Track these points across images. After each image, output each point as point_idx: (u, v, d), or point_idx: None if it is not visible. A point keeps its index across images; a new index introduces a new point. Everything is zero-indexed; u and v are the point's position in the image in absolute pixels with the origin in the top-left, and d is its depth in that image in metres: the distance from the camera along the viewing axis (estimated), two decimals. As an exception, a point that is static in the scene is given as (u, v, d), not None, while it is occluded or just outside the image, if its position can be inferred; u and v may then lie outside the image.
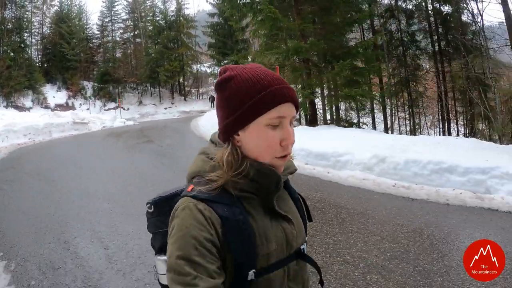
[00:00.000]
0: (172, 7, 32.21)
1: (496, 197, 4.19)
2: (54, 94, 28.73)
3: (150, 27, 32.61)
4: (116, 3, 35.17)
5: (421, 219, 3.57)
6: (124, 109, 28.60)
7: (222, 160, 0.69)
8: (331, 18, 9.94)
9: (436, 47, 16.60)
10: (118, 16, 35.39)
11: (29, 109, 25.61)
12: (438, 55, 16.70)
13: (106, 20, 34.99)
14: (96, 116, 18.70)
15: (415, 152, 5.41)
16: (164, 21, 31.28)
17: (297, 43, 9.20)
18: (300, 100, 10.12)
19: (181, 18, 30.98)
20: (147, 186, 5.24)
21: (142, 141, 9.67)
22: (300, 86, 10.20)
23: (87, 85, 30.55)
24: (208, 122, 11.69)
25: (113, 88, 30.42)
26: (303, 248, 0.79)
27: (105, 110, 28.47)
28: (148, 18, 33.59)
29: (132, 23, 35.15)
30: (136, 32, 34.59)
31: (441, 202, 4.11)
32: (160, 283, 0.85)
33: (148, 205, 0.85)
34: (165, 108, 28.61)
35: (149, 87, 31.66)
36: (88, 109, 27.00)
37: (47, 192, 5.31)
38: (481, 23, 12.55)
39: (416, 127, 19.07)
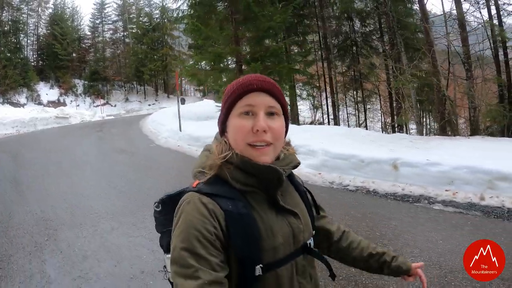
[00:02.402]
0: (157, 9, 34.50)
1: (297, 171, 6.36)
2: (47, 92, 31.19)
3: (136, 29, 34.92)
4: (106, 6, 37.55)
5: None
6: (111, 105, 31.09)
7: (213, 150, 0.76)
8: (256, 25, 11.97)
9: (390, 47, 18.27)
10: (108, 17, 37.79)
11: (23, 105, 28.06)
12: (388, 54, 18.37)
13: (97, 21, 37.38)
14: (78, 112, 21.08)
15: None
16: (149, 23, 33.57)
17: (217, 49, 11.39)
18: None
19: (165, 20, 33.23)
20: (73, 156, 7.75)
21: (96, 130, 12.24)
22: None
23: (78, 83, 32.98)
24: (153, 118, 14.15)
25: (102, 86, 32.85)
26: (310, 243, 0.80)
27: (94, 106, 30.90)
28: (134, 21, 35.86)
29: (122, 25, 37.50)
30: (125, 33, 36.97)
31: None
32: (170, 282, 0.85)
33: (156, 204, 0.88)
34: (149, 105, 31.00)
35: (135, 85, 34.12)
36: (78, 106, 29.49)
37: (10, 160, 7.75)
38: (391, 19, 14.60)
39: (369, 121, 21.16)
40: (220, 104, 10.91)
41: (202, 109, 15.00)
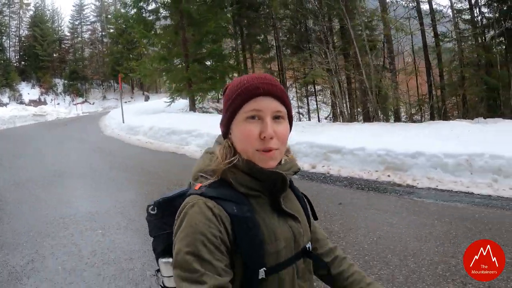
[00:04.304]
0: (132, 11, 36.39)
1: (188, 149, 8.35)
2: (29, 91, 33.17)
3: (113, 30, 36.91)
4: (85, 7, 39.43)
5: (133, 152, 8.31)
6: (90, 103, 33.23)
7: (217, 153, 0.76)
8: (197, 29, 14.08)
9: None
10: (87, 19, 39.69)
11: (6, 104, 29.96)
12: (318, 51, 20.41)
13: (76, 23, 39.26)
14: (55, 110, 23.33)
15: (188, 124, 10.00)
16: (124, 24, 35.55)
17: (161, 53, 13.71)
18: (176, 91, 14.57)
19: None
20: (36, 143, 10.17)
21: (63, 125, 14.69)
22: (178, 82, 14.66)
23: (58, 82, 34.98)
24: (110, 114, 16.46)
25: (81, 84, 34.93)
26: (309, 247, 0.82)
27: (74, 104, 33.01)
28: (112, 21, 37.81)
29: (100, 26, 39.42)
30: (103, 33, 38.93)
31: (161, 151, 8.36)
32: (165, 287, 0.84)
33: (151, 207, 0.85)
34: (125, 102, 33.06)
35: (113, 83, 36.24)
36: (58, 104, 31.54)
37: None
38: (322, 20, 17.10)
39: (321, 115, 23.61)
40: (168, 100, 13.39)
41: (159, 105, 17.35)
